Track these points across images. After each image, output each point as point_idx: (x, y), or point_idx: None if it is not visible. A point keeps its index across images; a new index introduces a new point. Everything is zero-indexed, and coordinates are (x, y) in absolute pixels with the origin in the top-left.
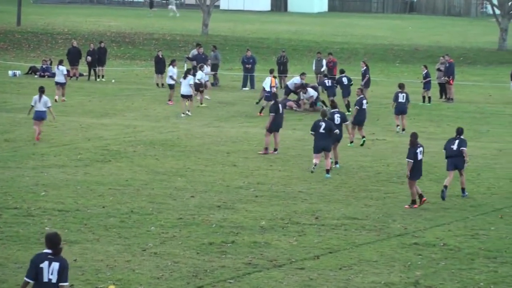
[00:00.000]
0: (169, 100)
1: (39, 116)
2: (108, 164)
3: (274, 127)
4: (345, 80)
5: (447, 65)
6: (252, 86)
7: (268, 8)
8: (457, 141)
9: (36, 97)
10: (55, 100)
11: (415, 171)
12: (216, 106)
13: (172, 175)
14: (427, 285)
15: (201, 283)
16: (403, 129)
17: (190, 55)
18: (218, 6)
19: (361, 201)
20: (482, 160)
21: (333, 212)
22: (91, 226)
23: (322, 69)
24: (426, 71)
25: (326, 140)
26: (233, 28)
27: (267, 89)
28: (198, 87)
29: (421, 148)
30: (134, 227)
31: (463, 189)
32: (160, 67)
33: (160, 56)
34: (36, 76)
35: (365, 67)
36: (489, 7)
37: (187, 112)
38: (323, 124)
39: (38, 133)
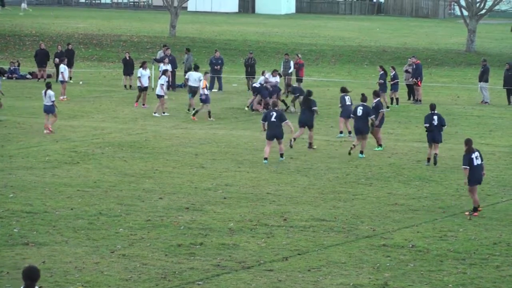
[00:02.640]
0: (137, 102)
1: (46, 110)
2: (76, 166)
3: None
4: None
5: (414, 66)
6: (220, 88)
7: (236, 9)
8: (436, 117)
9: (43, 92)
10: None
11: (474, 177)
12: (184, 108)
13: (140, 177)
14: (396, 287)
15: (170, 285)
16: (349, 132)
17: (157, 57)
18: (185, 8)
19: (329, 202)
20: (450, 161)
21: (302, 214)
22: (60, 228)
23: (289, 71)
24: (394, 72)
25: (277, 129)
26: (201, 30)
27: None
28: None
29: (477, 153)
30: (103, 229)
31: (435, 155)
32: (128, 68)
33: (128, 58)
34: (4, 78)
35: (382, 71)
36: (457, 8)
37: (162, 113)
38: (274, 114)
39: (46, 126)
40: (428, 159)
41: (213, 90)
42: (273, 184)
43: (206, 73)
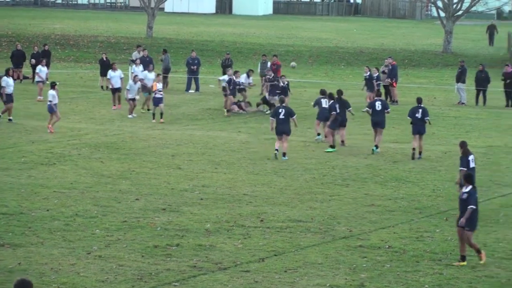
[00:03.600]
0: (115, 104)
1: (48, 109)
2: (52, 167)
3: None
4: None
5: (390, 67)
6: (197, 89)
7: (213, 10)
8: (420, 110)
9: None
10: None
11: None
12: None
13: (117, 178)
14: None
15: (146, 286)
16: (318, 134)
17: (133, 58)
18: (162, 9)
19: (306, 203)
20: (427, 162)
21: (278, 215)
22: (36, 229)
23: (266, 71)
24: (369, 72)
25: (286, 125)
26: (178, 31)
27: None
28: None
29: (472, 156)
30: (79, 230)
31: (420, 153)
32: (105, 69)
33: (105, 59)
34: None
35: (369, 72)
36: (434, 9)
37: (130, 114)
38: (282, 110)
39: (48, 125)
40: (413, 149)
41: (190, 91)
42: (249, 185)
43: (158, 74)
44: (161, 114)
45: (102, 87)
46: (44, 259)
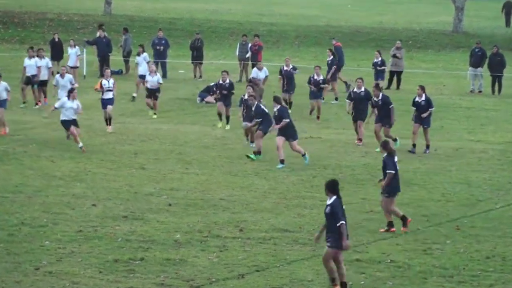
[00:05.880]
0: (39, 101)
1: None
2: None
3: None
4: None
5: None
6: (164, 75)
7: None
8: (424, 100)
9: None
10: None
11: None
12: (121, 99)
13: (70, 180)
14: None
15: None
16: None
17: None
18: None
19: (293, 210)
20: (435, 161)
21: (260, 223)
22: None
23: (247, 55)
24: (380, 58)
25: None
26: (141, 7)
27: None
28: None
29: (396, 157)
30: (25, 242)
31: (427, 146)
32: (57, 52)
33: (57, 40)
34: None
35: (380, 57)
36: None
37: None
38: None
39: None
40: (427, 146)
41: None
42: (226, 189)
43: (106, 69)
44: (109, 119)
45: (53, 73)
46: None
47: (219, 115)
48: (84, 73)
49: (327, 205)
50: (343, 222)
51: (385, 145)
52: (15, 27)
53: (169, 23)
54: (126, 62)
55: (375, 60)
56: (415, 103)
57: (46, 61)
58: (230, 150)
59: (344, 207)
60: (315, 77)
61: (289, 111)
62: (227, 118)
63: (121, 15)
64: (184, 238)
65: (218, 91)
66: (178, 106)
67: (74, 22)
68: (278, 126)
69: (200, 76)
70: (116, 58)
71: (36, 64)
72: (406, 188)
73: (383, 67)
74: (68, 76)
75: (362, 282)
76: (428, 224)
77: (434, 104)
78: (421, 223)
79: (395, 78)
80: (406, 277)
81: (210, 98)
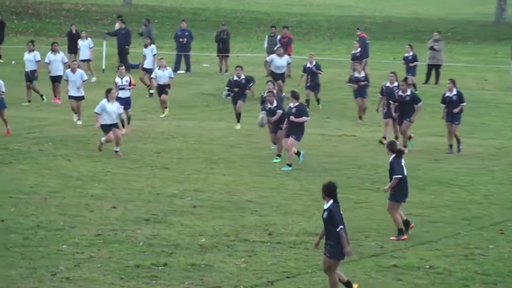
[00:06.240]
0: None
1: None
2: (7, 167)
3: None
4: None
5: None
6: (187, 69)
7: None
8: (455, 94)
9: None
10: None
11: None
12: (143, 94)
13: (88, 180)
14: None
15: None
16: None
17: (115, 28)
18: None
19: None
20: (477, 161)
21: (291, 227)
22: None
23: (275, 48)
24: (411, 52)
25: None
26: None
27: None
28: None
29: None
30: (41, 246)
31: (458, 141)
32: (73, 45)
33: (74, 32)
34: None
35: (411, 51)
36: None
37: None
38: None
39: None
40: (450, 146)
41: (179, 72)
42: (254, 190)
43: (119, 66)
44: (125, 120)
45: (69, 66)
46: None
47: (238, 115)
48: (103, 67)
49: (324, 210)
50: (342, 227)
51: (391, 146)
52: (29, 18)
53: (192, 14)
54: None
55: (406, 55)
56: (445, 99)
57: (61, 56)
58: (258, 149)
59: (342, 212)
60: (356, 74)
61: (308, 108)
62: (238, 115)
63: (142, 5)
64: (209, 242)
65: (234, 89)
66: (202, 102)
67: (92, 13)
68: (275, 118)
69: (226, 70)
70: (136, 50)
71: (35, 59)
72: (446, 190)
73: (415, 63)
74: (79, 72)
75: None
76: (470, 228)
77: (465, 99)
78: (463, 227)
79: (433, 73)
80: (446, 284)
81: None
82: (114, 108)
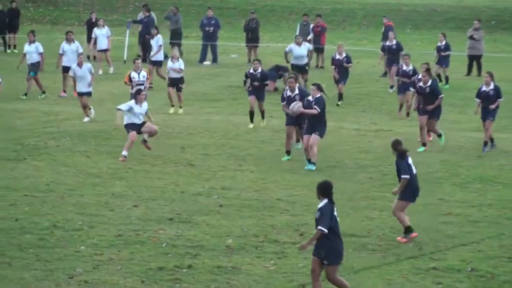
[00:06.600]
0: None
1: None
2: (22, 163)
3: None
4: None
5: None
6: (214, 59)
7: None
8: (492, 89)
9: None
10: None
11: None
12: (163, 86)
13: (108, 177)
14: None
15: None
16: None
17: (138, 18)
18: None
19: (360, 212)
20: None
21: None
22: (1, 245)
23: (308, 37)
24: (444, 41)
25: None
26: None
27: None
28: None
29: (411, 159)
30: (58, 247)
31: (491, 140)
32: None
33: (94, 20)
34: None
35: (445, 41)
36: None
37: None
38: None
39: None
40: (485, 143)
41: (205, 63)
42: (285, 188)
43: (135, 60)
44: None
45: (88, 56)
46: (12, 285)
47: (251, 113)
48: (124, 58)
49: (317, 209)
50: (324, 229)
51: (395, 145)
52: (46, 5)
53: (220, 1)
54: (173, 45)
55: (439, 44)
56: (480, 93)
57: (76, 45)
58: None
59: (335, 213)
60: (404, 67)
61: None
62: (262, 113)
63: None
64: (236, 244)
65: (250, 82)
66: (230, 95)
67: (113, 1)
68: (308, 111)
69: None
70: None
71: (38, 51)
72: (489, 187)
73: (447, 52)
74: (87, 66)
75: None
76: None
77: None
78: (507, 227)
79: (474, 64)
80: None
81: (270, 85)
82: (142, 110)
